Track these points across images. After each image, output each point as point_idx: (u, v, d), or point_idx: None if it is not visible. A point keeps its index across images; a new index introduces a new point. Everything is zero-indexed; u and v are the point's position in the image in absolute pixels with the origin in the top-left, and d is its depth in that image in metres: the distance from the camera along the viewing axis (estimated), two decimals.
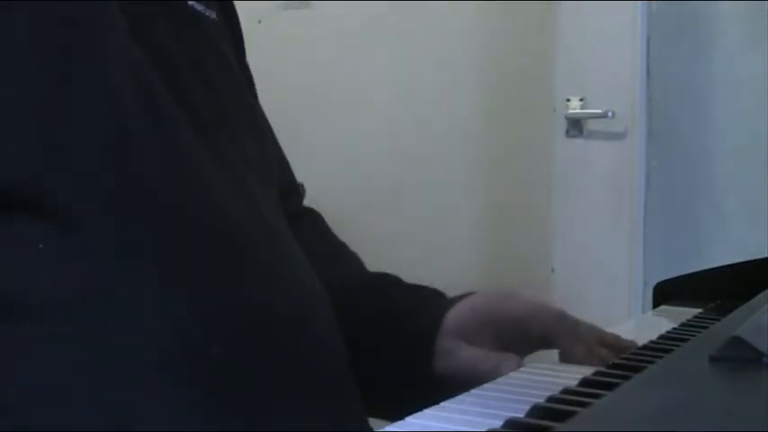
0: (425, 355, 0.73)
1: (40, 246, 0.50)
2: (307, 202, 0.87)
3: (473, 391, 0.56)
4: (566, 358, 0.70)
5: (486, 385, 0.58)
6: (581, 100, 1.93)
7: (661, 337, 0.71)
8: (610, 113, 1.89)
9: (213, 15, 0.69)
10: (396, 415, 0.74)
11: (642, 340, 0.69)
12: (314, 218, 0.87)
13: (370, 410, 0.77)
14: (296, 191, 0.87)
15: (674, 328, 0.76)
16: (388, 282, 0.80)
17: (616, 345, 0.70)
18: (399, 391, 0.73)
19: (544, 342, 0.73)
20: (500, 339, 0.73)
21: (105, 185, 0.53)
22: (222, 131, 0.63)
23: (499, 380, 0.60)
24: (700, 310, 0.85)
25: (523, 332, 0.73)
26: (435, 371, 0.72)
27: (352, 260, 0.84)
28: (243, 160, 0.64)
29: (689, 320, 0.80)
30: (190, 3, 0.66)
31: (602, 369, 0.61)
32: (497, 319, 0.73)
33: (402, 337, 0.74)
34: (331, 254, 0.83)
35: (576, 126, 1.94)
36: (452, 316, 0.74)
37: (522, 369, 0.64)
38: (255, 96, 0.79)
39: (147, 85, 0.56)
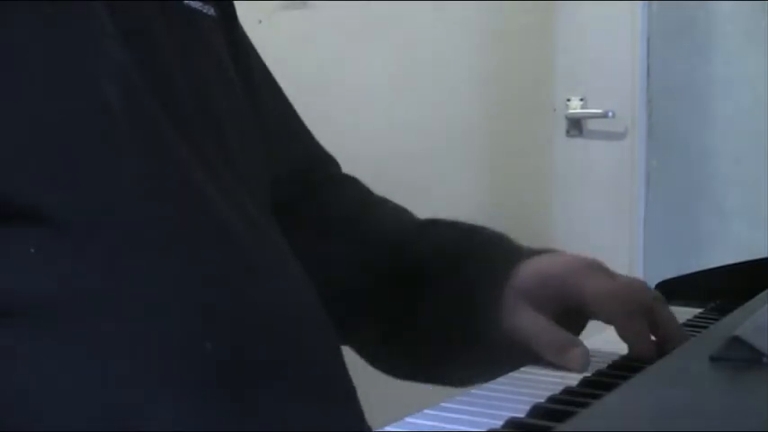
0: (492, 305, 0.68)
1: (32, 250, 0.50)
2: None
3: (473, 390, 0.56)
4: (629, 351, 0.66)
5: (486, 385, 0.58)
6: (581, 100, 1.93)
7: None
8: (610, 113, 1.89)
9: (211, 11, 0.68)
10: (451, 377, 0.73)
11: None
12: (353, 180, 0.86)
13: (429, 370, 0.75)
14: (326, 161, 0.86)
15: None
16: (451, 225, 0.76)
17: (671, 335, 0.66)
18: (464, 338, 0.69)
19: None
20: (565, 312, 0.68)
21: (96, 191, 0.53)
22: (212, 133, 0.63)
23: (499, 380, 0.60)
24: (700, 310, 0.85)
25: (587, 313, 0.68)
26: (499, 322, 0.68)
27: (403, 211, 0.81)
28: (232, 161, 0.64)
29: (689, 320, 0.80)
30: (185, 1, 0.66)
31: (603, 369, 0.61)
32: (564, 294, 0.68)
33: (473, 277, 0.70)
34: (384, 209, 0.81)
35: (576, 126, 1.94)
36: (522, 272, 0.69)
37: (522, 369, 0.64)
38: (262, 90, 0.79)
39: (134, 91, 0.56)
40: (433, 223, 0.78)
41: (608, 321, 0.67)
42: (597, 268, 0.69)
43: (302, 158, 0.80)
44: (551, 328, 0.66)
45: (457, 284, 0.71)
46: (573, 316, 0.69)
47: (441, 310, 0.72)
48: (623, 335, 0.66)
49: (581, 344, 0.65)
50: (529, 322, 0.67)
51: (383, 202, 0.83)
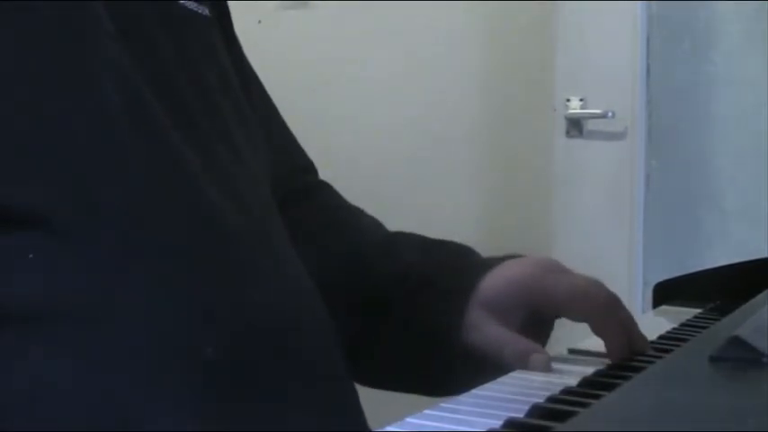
0: (454, 325, 0.69)
1: (30, 255, 0.50)
2: None
3: (473, 391, 0.56)
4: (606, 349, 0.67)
5: (485, 385, 0.58)
6: (581, 100, 1.93)
7: (661, 337, 0.71)
8: (610, 113, 1.89)
9: (206, 12, 0.68)
10: (419, 388, 0.73)
11: None
12: (328, 188, 0.85)
13: (396, 384, 0.75)
14: (308, 168, 0.85)
15: (674, 328, 0.76)
16: (414, 241, 0.76)
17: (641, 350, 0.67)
18: (427, 360, 0.70)
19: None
20: (533, 314, 0.69)
21: (97, 193, 0.53)
22: (213, 133, 0.63)
23: (499, 379, 0.60)
24: (700, 310, 0.85)
25: (558, 314, 0.69)
26: (464, 342, 0.69)
27: (372, 223, 0.80)
28: (234, 162, 0.64)
29: (689, 320, 0.80)
30: (181, 2, 0.65)
31: (602, 369, 0.61)
32: (534, 296, 0.69)
33: (433, 303, 0.70)
34: (349, 221, 0.80)
35: (576, 126, 1.94)
36: (486, 284, 0.69)
37: (522, 369, 0.64)
38: (252, 89, 0.78)
39: (135, 92, 0.56)
40: (399, 238, 0.78)
41: (581, 318, 0.67)
42: (559, 269, 0.70)
43: (283, 165, 0.79)
44: (514, 339, 0.68)
45: (420, 307, 0.72)
46: (539, 321, 0.71)
47: (404, 333, 0.72)
48: (599, 330, 0.66)
49: (542, 351, 0.66)
50: (492, 337, 0.68)
51: (352, 215, 0.82)
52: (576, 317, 0.68)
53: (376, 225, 0.81)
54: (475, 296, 0.69)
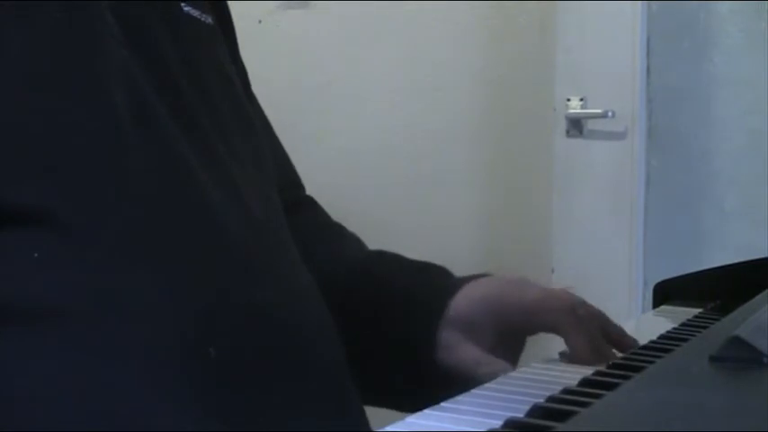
0: (426, 346, 0.71)
1: (35, 254, 0.50)
2: None
3: (473, 390, 0.56)
4: (570, 354, 0.69)
5: (485, 385, 0.58)
6: (581, 100, 1.93)
7: (661, 337, 0.71)
8: (610, 113, 1.89)
9: (209, 20, 0.68)
10: (398, 406, 0.74)
11: (642, 340, 0.69)
12: (311, 205, 0.86)
13: (377, 401, 0.76)
14: (296, 184, 0.87)
15: (674, 328, 0.75)
16: (390, 262, 0.78)
17: (619, 341, 0.70)
18: (401, 381, 0.72)
19: (551, 331, 0.71)
20: (505, 328, 0.71)
21: (101, 194, 0.53)
22: (216, 136, 0.63)
23: (499, 379, 0.60)
24: (700, 310, 0.85)
25: (530, 323, 0.71)
26: (436, 362, 0.71)
27: (351, 242, 0.82)
28: (237, 163, 0.64)
29: (689, 320, 0.80)
30: (186, 9, 0.66)
31: (602, 369, 0.61)
32: (505, 309, 0.71)
33: (404, 324, 0.72)
34: (332, 238, 0.82)
35: (576, 126, 1.94)
36: (457, 304, 0.72)
37: (522, 369, 0.64)
38: (252, 97, 0.79)
39: (140, 94, 0.56)
40: (377, 258, 0.79)
41: (552, 327, 0.70)
42: (528, 283, 0.73)
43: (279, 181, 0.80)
44: (486, 359, 0.70)
45: (393, 322, 0.73)
46: (510, 339, 0.73)
47: (378, 348, 0.74)
48: (567, 333, 0.69)
49: (509, 369, 0.68)
50: (466, 357, 0.70)
51: (334, 233, 0.83)
52: (546, 322, 0.70)
53: (357, 243, 0.82)
54: (446, 315, 0.71)
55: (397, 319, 0.73)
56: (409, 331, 0.72)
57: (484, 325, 0.71)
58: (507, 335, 0.72)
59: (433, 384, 0.70)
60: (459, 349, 0.71)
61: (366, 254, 0.80)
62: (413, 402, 0.73)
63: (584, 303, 0.71)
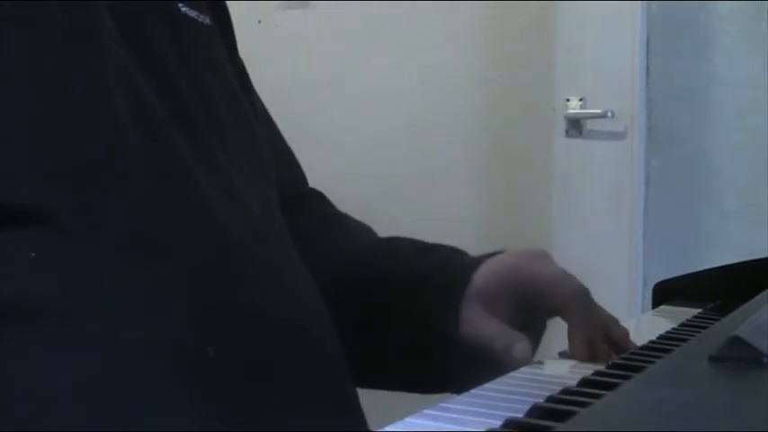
0: (450, 319, 0.71)
1: (32, 254, 0.50)
2: None
3: (473, 390, 0.56)
4: (569, 344, 0.69)
5: (485, 385, 0.58)
6: (581, 100, 1.93)
7: (661, 337, 0.71)
8: (609, 113, 1.89)
9: (207, 21, 0.68)
10: (417, 387, 0.75)
11: (642, 340, 0.69)
12: (318, 197, 0.86)
13: (394, 383, 0.77)
14: (303, 180, 0.87)
15: (674, 328, 0.75)
16: (406, 243, 0.79)
17: (622, 343, 0.69)
18: (425, 356, 0.72)
19: (558, 314, 0.71)
20: (522, 302, 0.72)
21: (101, 194, 0.53)
22: (215, 137, 0.63)
23: (499, 379, 0.60)
24: (700, 310, 0.85)
25: (543, 299, 0.71)
26: (460, 338, 0.71)
27: (363, 229, 0.83)
28: (236, 164, 0.64)
29: (689, 320, 0.80)
30: (183, 9, 0.65)
31: (602, 369, 0.61)
32: (522, 282, 0.71)
33: (428, 300, 0.72)
34: (344, 228, 0.82)
35: (575, 126, 1.94)
36: (478, 278, 0.72)
37: (522, 369, 0.64)
38: (254, 96, 0.79)
39: (140, 95, 0.56)
40: (393, 242, 0.80)
41: (558, 305, 0.70)
42: (545, 257, 0.74)
43: (277, 175, 0.80)
44: (503, 332, 0.70)
45: (417, 303, 0.74)
46: (530, 316, 0.73)
47: (402, 331, 0.74)
48: (570, 318, 0.69)
49: (523, 339, 0.69)
50: (484, 330, 0.70)
51: (343, 223, 0.84)
52: (550, 301, 0.70)
53: (369, 231, 0.83)
54: (468, 290, 0.72)
55: (422, 295, 0.73)
56: (434, 305, 0.72)
57: (500, 296, 0.71)
58: (526, 312, 0.72)
59: (456, 360, 0.71)
60: (479, 322, 0.71)
61: (383, 238, 0.81)
62: (433, 381, 0.74)
63: (587, 293, 0.71)
